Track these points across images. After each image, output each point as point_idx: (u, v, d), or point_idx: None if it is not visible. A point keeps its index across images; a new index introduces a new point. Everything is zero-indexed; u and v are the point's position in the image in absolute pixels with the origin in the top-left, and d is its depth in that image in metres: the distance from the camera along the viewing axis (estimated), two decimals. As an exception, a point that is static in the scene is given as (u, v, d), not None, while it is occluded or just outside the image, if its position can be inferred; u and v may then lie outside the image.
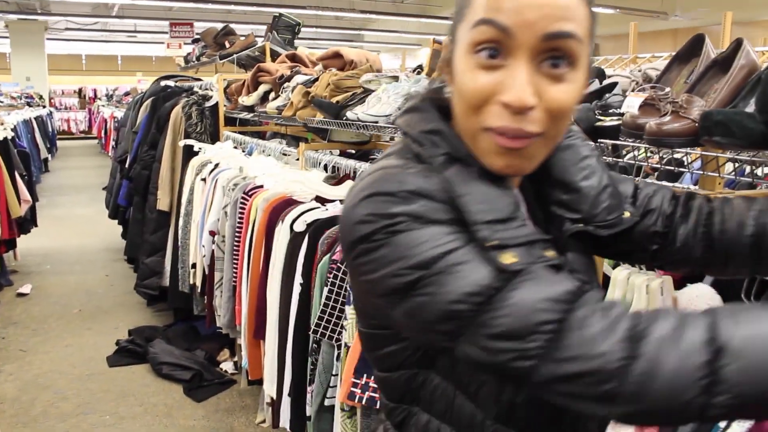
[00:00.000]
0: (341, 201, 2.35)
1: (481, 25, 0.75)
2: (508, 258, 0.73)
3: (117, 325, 4.56)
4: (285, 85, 3.57)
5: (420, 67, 2.98)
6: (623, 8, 12.92)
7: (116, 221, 6.04)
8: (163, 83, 5.27)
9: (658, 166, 1.42)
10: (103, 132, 15.15)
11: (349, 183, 2.47)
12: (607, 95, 1.47)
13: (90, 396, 3.57)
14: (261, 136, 4.73)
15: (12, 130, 6.60)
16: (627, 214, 0.94)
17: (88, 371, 3.88)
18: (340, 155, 3.05)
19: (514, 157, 0.78)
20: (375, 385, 1.65)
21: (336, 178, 2.60)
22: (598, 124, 1.33)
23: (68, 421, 3.32)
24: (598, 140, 1.33)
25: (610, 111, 1.35)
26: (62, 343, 4.30)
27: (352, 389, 1.65)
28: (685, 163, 1.45)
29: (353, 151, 3.40)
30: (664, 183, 1.07)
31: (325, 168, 2.73)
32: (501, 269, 0.72)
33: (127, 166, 5.22)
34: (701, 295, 1.24)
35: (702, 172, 1.36)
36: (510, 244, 0.74)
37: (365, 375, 1.65)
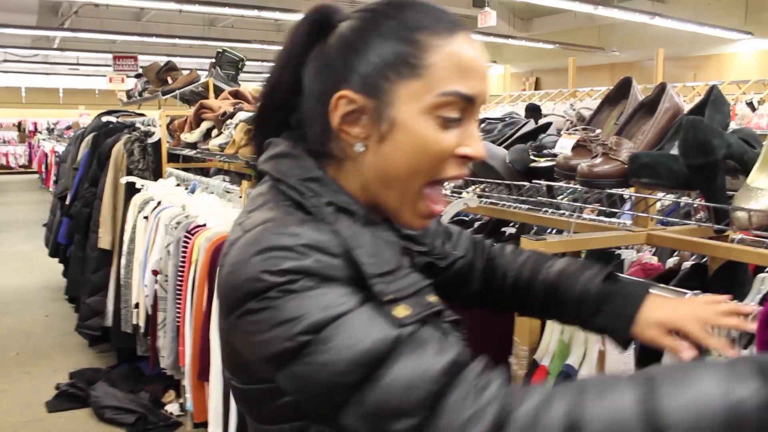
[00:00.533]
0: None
1: (451, 96, 0.79)
2: (402, 311, 0.75)
3: (56, 367, 4.40)
4: (228, 122, 3.56)
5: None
6: (562, 43, 13.34)
7: (57, 259, 5.88)
8: (104, 119, 5.21)
9: (593, 206, 1.46)
10: (43, 167, 14.79)
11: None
12: (541, 135, 1.51)
13: (27, 444, 3.44)
14: (205, 172, 4.70)
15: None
16: (453, 251, 1.08)
17: (25, 418, 3.73)
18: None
19: (430, 221, 0.87)
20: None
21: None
22: (533, 164, 1.37)
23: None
24: (532, 181, 1.37)
25: (545, 152, 1.39)
26: (-3, 389, 4.14)
27: None
28: (617, 204, 1.50)
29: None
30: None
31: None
32: (396, 324, 0.74)
33: (67, 203, 5.11)
34: None
35: (632, 213, 1.40)
36: (401, 296, 0.77)
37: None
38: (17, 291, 6.34)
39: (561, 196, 1.62)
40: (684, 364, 0.75)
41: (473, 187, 1.70)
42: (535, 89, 12.74)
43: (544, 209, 1.54)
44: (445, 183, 0.85)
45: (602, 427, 0.66)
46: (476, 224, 2.53)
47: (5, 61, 17.97)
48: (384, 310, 0.75)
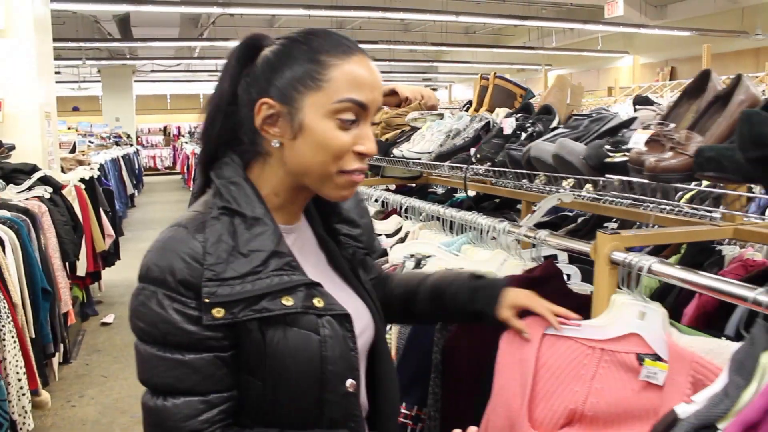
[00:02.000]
0: (387, 235, 2.44)
1: (346, 102, 1.01)
2: (219, 312, 0.97)
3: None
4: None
5: (469, 102, 3.06)
6: (700, 29, 12.63)
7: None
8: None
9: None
10: (185, 167, 15.83)
11: (395, 218, 2.56)
12: (624, 131, 1.51)
13: (163, 421, 3.75)
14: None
15: (99, 169, 7.03)
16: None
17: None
18: (395, 190, 3.15)
19: (351, 191, 1.07)
20: (407, 411, 1.71)
21: (384, 212, 2.69)
22: (608, 160, 1.38)
23: (142, 444, 3.50)
24: (606, 175, 1.38)
25: (622, 147, 1.39)
26: (140, 371, 4.53)
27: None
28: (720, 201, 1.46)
29: (413, 185, 3.49)
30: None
31: (381, 204, 2.83)
32: (194, 324, 0.97)
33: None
34: (715, 350, 1.24)
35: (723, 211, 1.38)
36: (223, 301, 0.97)
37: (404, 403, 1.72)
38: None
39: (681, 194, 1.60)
40: None
41: (567, 182, 1.71)
42: (670, 79, 12.15)
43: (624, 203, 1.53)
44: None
45: None
46: (579, 219, 2.53)
47: (153, 71, 19.39)
48: (206, 313, 0.97)
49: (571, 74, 17.70)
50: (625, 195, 1.51)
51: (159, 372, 0.99)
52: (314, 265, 1.13)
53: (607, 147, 1.40)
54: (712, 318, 1.57)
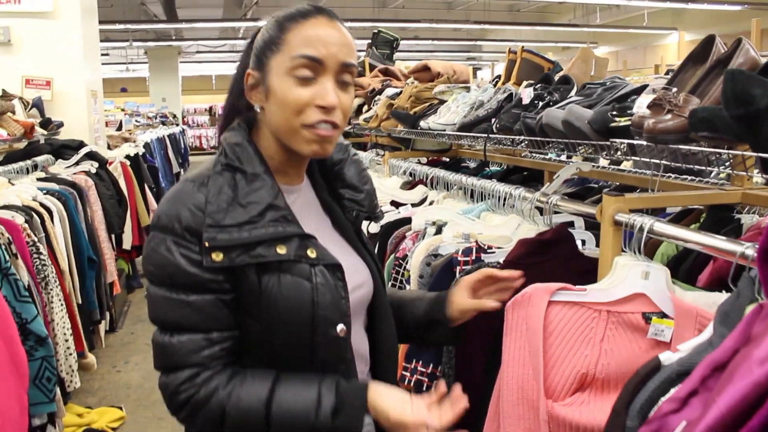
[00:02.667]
0: (412, 204, 2.51)
1: (299, 59, 1.09)
2: (218, 256, 1.07)
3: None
4: (376, 98, 3.77)
5: (498, 77, 3.09)
6: (752, 2, 12.27)
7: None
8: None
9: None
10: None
11: (420, 188, 2.63)
12: (633, 97, 1.54)
13: (202, 387, 3.91)
14: (362, 147, 4.97)
15: (144, 147, 7.23)
16: None
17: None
18: (427, 163, 3.21)
19: (324, 144, 1.12)
20: (423, 369, 1.79)
21: (410, 183, 2.76)
22: (613, 124, 1.42)
23: (182, 407, 3.66)
24: (611, 140, 1.42)
25: (628, 112, 1.43)
26: (181, 340, 4.71)
27: (403, 373, 1.80)
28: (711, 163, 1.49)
29: (447, 159, 3.55)
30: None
31: (409, 175, 2.90)
32: (198, 267, 1.07)
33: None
34: (718, 302, 1.28)
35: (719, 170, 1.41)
36: (222, 245, 1.06)
37: (414, 360, 1.80)
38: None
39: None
40: (299, 383, 1.11)
41: (582, 149, 1.75)
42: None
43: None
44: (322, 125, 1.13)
45: (239, 417, 1.09)
46: (605, 190, 2.55)
47: (198, 52, 19.66)
48: (205, 257, 1.07)
49: (617, 52, 17.38)
50: (646, 162, 1.54)
51: (166, 311, 1.10)
52: (316, 224, 1.22)
53: (613, 112, 1.44)
54: (726, 284, 1.60)
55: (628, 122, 1.40)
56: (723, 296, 1.27)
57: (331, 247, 1.17)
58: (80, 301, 3.31)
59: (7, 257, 2.28)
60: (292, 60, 1.10)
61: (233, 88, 1.22)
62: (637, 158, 1.41)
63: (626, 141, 1.37)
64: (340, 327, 1.14)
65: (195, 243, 1.08)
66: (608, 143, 1.46)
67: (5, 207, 2.73)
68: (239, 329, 1.13)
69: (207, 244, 1.06)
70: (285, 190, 1.18)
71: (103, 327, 3.99)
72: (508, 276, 1.35)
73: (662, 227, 1.28)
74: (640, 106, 1.34)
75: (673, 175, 1.97)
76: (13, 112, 4.13)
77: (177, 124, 16.13)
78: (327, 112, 1.11)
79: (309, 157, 1.18)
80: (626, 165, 3.04)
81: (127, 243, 5.32)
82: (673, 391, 0.92)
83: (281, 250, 1.10)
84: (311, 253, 1.12)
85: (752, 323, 0.88)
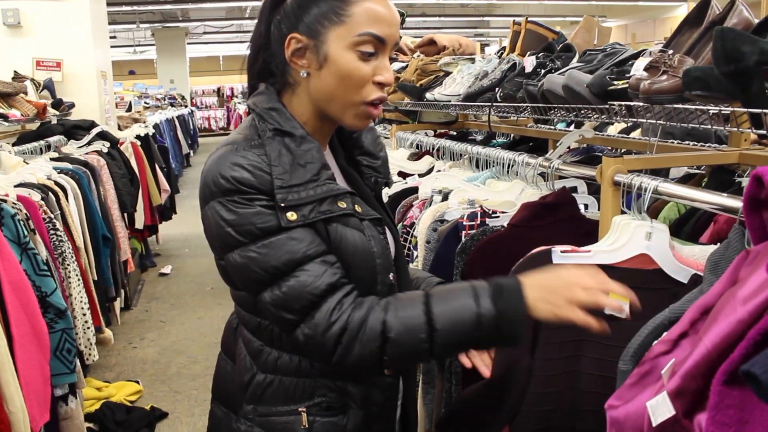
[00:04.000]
0: (419, 174, 2.55)
1: (366, 36, 1.12)
2: (293, 216, 1.09)
3: (244, 300, 5.00)
4: (383, 72, 3.79)
5: (503, 48, 3.11)
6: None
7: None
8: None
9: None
10: (239, 128, 16.08)
11: (427, 158, 2.67)
12: (632, 61, 1.57)
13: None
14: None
15: (154, 128, 7.29)
16: None
17: (216, 340, 4.22)
18: (434, 136, 3.25)
19: (370, 121, 1.20)
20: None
21: (417, 154, 2.80)
22: (611, 88, 1.45)
23: (197, 380, 3.75)
24: (609, 102, 1.46)
25: (626, 75, 1.46)
26: (195, 316, 4.81)
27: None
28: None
29: (454, 132, 3.58)
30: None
31: (416, 146, 2.94)
32: (283, 226, 1.09)
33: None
34: None
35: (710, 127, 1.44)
36: (294, 204, 1.09)
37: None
38: (215, 237, 7.14)
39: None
40: (451, 288, 1.14)
41: (585, 113, 1.79)
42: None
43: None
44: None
45: (402, 328, 1.07)
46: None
47: (204, 33, 19.62)
48: (280, 214, 1.09)
49: (626, 25, 17.23)
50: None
51: (271, 258, 1.08)
52: (343, 185, 1.26)
53: (612, 76, 1.47)
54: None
55: (626, 85, 1.43)
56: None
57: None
58: (96, 278, 3.38)
59: (26, 232, 2.34)
60: (358, 35, 1.11)
61: (254, 52, 1.22)
62: (635, 119, 1.44)
63: (624, 103, 1.41)
64: (392, 274, 1.21)
65: (264, 199, 1.09)
66: (607, 106, 1.49)
67: (22, 185, 2.79)
68: None
69: (282, 205, 1.09)
70: None
71: (118, 304, 4.07)
72: None
73: (657, 185, 1.32)
74: (638, 68, 1.37)
75: (676, 141, 2.00)
76: (26, 93, 4.19)
77: (185, 106, 16.19)
78: (383, 89, 1.16)
79: (349, 128, 1.23)
80: (635, 134, 3.07)
81: (140, 222, 5.40)
82: (664, 334, 0.97)
83: (342, 204, 1.14)
84: (358, 209, 1.17)
85: (738, 268, 0.93)
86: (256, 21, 1.23)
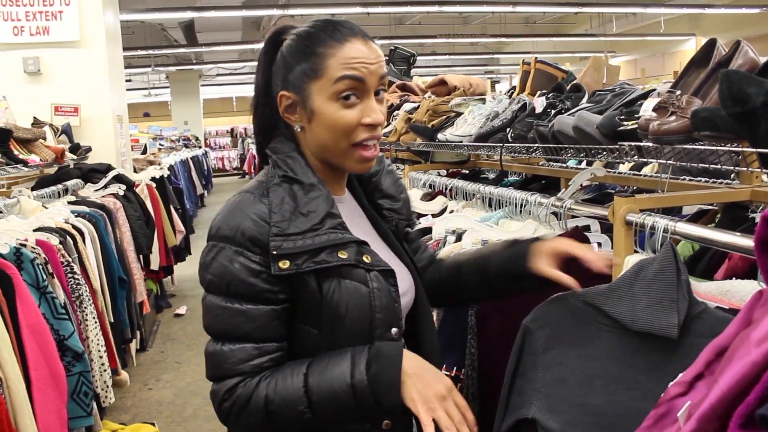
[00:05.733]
0: (433, 215, 2.57)
1: (342, 80, 1.14)
2: (285, 264, 1.12)
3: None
4: (395, 113, 3.85)
5: (513, 88, 3.15)
6: (769, 7, 12.22)
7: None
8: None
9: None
10: (252, 167, 16.28)
11: (440, 198, 2.69)
12: (641, 102, 1.60)
13: (232, 401, 3.99)
14: (382, 161, 5.05)
15: (169, 169, 7.38)
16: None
17: (232, 380, 4.30)
18: (447, 175, 3.27)
19: (371, 161, 1.20)
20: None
21: (430, 194, 2.82)
22: (621, 128, 1.47)
23: (213, 422, 3.73)
24: (619, 143, 1.47)
25: (635, 116, 1.48)
26: (210, 356, 4.80)
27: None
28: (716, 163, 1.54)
29: (467, 171, 3.61)
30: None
31: (429, 186, 2.96)
32: (251, 297, 1.13)
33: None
34: (731, 291, 1.32)
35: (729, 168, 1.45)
36: (287, 254, 1.12)
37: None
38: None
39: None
40: (332, 356, 1.15)
41: (601, 156, 1.80)
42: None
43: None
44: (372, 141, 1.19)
45: (281, 402, 1.12)
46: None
47: (218, 75, 19.97)
48: (273, 264, 1.12)
49: (635, 60, 17.35)
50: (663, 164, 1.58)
51: (220, 319, 1.15)
52: (363, 231, 1.27)
53: (621, 116, 1.50)
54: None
55: (635, 125, 1.45)
56: (734, 284, 1.32)
57: (380, 253, 1.22)
58: (112, 320, 3.41)
59: (45, 276, 2.37)
60: (334, 84, 1.15)
61: (256, 105, 1.27)
62: (645, 160, 1.46)
63: (634, 143, 1.43)
64: (395, 330, 1.20)
65: (257, 253, 1.12)
66: (617, 147, 1.51)
67: (41, 229, 2.83)
68: (293, 339, 1.19)
69: (275, 252, 1.11)
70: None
71: (134, 346, 4.09)
72: (595, 263, 1.26)
73: (669, 225, 1.33)
74: (646, 109, 1.40)
75: (687, 178, 2.01)
76: (44, 139, 4.27)
77: (199, 147, 16.38)
78: (373, 129, 1.18)
79: (354, 173, 1.26)
80: (646, 170, 3.08)
81: (155, 263, 5.43)
82: (680, 375, 0.97)
83: (343, 254, 1.15)
84: (366, 259, 1.18)
85: (753, 309, 0.93)
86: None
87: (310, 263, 1.13)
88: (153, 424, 3.68)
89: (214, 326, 1.16)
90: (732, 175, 2.23)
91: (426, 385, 1.12)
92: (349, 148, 1.17)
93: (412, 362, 1.14)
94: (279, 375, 1.15)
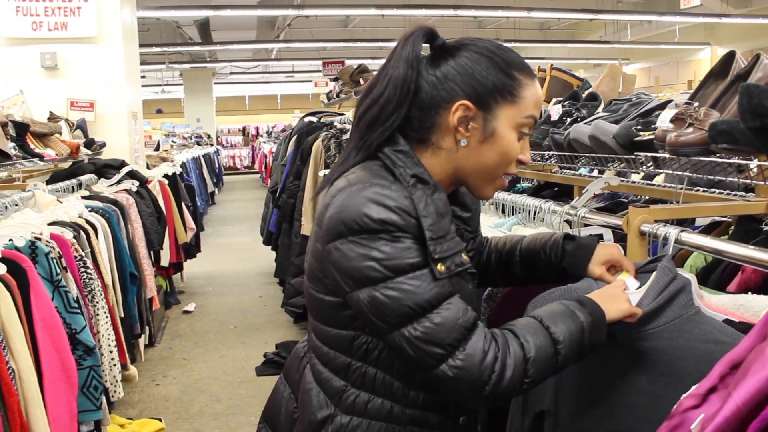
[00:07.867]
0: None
1: (530, 118, 1.18)
2: (441, 268, 1.10)
3: (266, 340, 5.02)
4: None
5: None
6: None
7: (270, 247, 6.60)
8: (307, 119, 5.77)
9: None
10: (263, 166, 16.33)
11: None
12: (657, 112, 1.60)
13: (239, 400, 4.01)
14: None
15: (181, 166, 7.41)
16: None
17: (239, 379, 4.33)
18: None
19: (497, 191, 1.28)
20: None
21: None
22: (637, 138, 1.48)
23: (219, 419, 3.76)
24: (635, 153, 1.48)
25: (651, 126, 1.49)
26: (218, 354, 4.83)
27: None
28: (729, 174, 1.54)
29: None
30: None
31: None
32: (437, 279, 1.08)
33: (276, 195, 5.74)
34: (744, 305, 1.32)
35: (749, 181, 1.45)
36: (443, 257, 1.10)
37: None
38: (238, 276, 7.20)
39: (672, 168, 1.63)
40: (551, 309, 1.15)
41: (611, 163, 1.81)
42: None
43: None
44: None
45: (535, 347, 1.08)
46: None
47: (231, 73, 20.05)
48: (432, 266, 1.09)
49: (650, 68, 17.30)
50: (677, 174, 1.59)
51: (423, 291, 1.07)
52: None
53: (638, 127, 1.50)
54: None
55: (652, 136, 1.45)
56: (748, 298, 1.32)
57: None
58: (123, 315, 3.43)
59: (59, 270, 2.39)
60: (525, 117, 1.18)
61: (395, 98, 1.16)
62: (661, 171, 1.46)
63: (650, 154, 1.43)
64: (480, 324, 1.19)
65: (409, 237, 1.08)
66: (633, 156, 1.51)
67: (55, 223, 2.85)
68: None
69: (435, 257, 1.09)
70: None
71: (142, 341, 4.11)
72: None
73: (683, 236, 1.33)
74: (663, 120, 1.40)
75: (701, 189, 2.01)
76: (60, 133, 4.30)
77: (211, 144, 16.43)
78: (521, 165, 1.23)
79: (482, 198, 1.29)
80: (658, 179, 3.08)
81: (165, 260, 5.45)
82: (693, 388, 0.97)
83: (465, 257, 1.17)
84: (467, 260, 1.19)
85: (768, 323, 0.93)
86: (390, 63, 1.18)
87: (455, 265, 1.13)
88: (159, 420, 3.70)
89: (418, 303, 1.08)
90: (744, 187, 2.24)
91: (610, 297, 1.17)
92: (498, 176, 1.21)
93: (593, 295, 1.19)
94: (512, 327, 1.13)
